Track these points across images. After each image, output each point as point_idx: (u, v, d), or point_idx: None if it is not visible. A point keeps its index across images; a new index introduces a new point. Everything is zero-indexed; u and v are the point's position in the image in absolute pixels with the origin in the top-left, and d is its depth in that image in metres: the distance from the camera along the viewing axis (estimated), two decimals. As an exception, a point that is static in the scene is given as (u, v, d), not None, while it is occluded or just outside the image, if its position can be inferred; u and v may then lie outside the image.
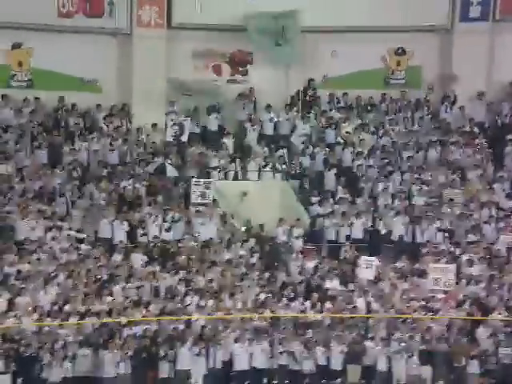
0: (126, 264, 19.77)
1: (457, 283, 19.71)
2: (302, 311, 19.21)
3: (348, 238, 20.92)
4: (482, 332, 18.96)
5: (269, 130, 23.07)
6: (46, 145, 21.90)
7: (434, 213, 21.35)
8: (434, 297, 19.53)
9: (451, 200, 21.67)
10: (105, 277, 19.29)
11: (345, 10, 23.23)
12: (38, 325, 18.05)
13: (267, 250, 20.72)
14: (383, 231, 21.03)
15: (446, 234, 21.03)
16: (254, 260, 20.31)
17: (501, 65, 23.97)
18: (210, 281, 19.59)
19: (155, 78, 22.86)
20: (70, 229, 20.22)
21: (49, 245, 19.77)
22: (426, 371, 18.76)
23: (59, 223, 20.14)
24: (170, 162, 21.97)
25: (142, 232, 20.56)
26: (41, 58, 22.77)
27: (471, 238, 20.96)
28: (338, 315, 19.03)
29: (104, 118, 22.79)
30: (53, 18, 22.56)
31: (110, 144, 22.23)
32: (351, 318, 18.98)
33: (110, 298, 18.85)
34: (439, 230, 21.11)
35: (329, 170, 22.34)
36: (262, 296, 19.37)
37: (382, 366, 18.67)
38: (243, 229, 21.17)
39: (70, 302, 18.58)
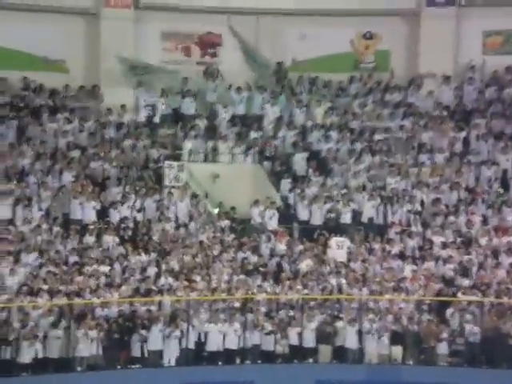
0: (98, 245, 19.60)
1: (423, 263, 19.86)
2: (275, 292, 19.25)
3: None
4: (451, 312, 19.24)
5: (240, 111, 23.02)
6: (14, 125, 21.54)
7: (404, 195, 21.59)
8: (404, 278, 19.75)
9: (421, 183, 21.94)
10: (76, 258, 19.07)
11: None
12: (8, 306, 17.78)
13: (240, 231, 20.73)
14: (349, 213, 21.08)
15: (417, 216, 21.28)
16: (226, 241, 20.28)
17: (466, 49, 24.29)
18: (183, 262, 19.50)
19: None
20: (40, 209, 19.93)
21: (18, 225, 19.55)
22: (397, 351, 19.01)
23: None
24: (141, 142, 21.83)
25: (113, 213, 20.37)
26: (2, 36, 22.25)
27: (441, 220, 21.23)
28: (310, 296, 19.11)
29: (72, 99, 22.46)
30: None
31: (80, 125, 21.94)
32: (324, 299, 19.07)
33: (81, 279, 18.62)
34: (409, 212, 21.35)
35: (299, 153, 22.40)
36: (235, 277, 19.38)
37: (353, 345, 18.84)
38: (216, 211, 21.14)
39: (40, 282, 18.33)
